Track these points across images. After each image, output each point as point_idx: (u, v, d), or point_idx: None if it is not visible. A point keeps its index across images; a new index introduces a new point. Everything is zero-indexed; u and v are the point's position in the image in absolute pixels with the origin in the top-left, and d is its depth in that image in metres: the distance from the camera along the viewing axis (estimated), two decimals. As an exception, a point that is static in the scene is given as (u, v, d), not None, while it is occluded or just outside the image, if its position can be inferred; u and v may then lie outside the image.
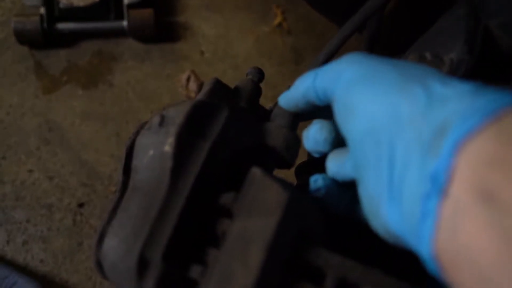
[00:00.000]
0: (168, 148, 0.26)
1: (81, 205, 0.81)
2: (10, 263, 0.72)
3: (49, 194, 0.81)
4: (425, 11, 0.34)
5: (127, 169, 0.31)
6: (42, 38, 0.92)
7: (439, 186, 0.19)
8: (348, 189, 0.29)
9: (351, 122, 0.24)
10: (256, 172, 0.25)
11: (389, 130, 0.22)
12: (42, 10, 0.92)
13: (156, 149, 0.27)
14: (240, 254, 0.21)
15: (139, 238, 0.24)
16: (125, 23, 0.96)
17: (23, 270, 0.72)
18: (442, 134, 0.20)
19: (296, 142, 0.31)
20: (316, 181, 0.28)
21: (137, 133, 0.32)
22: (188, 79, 0.99)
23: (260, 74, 0.35)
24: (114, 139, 0.89)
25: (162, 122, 0.28)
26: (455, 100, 0.20)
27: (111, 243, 0.26)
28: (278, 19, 1.11)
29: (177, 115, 0.28)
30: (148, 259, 0.23)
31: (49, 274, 0.74)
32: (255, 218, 0.22)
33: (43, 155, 0.85)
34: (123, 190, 0.31)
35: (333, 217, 0.28)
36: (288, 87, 0.32)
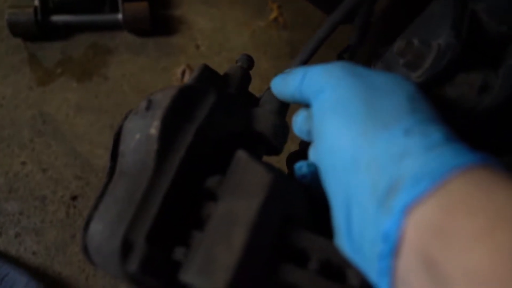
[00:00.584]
0: (153, 131, 0.26)
1: (74, 197, 0.80)
2: (2, 255, 0.72)
3: (43, 186, 0.80)
4: (419, 5, 0.34)
5: (114, 155, 0.31)
6: (36, 30, 0.91)
7: (390, 246, 0.20)
8: None
9: (319, 144, 0.25)
10: (241, 155, 0.24)
11: (347, 171, 0.22)
12: (36, 2, 0.92)
13: (142, 133, 0.27)
14: (223, 235, 0.21)
15: (123, 221, 0.24)
16: (120, 16, 0.96)
17: (16, 262, 0.72)
18: (394, 192, 0.20)
19: (284, 128, 0.31)
20: (300, 167, 0.28)
21: (125, 119, 0.32)
22: (183, 73, 0.99)
23: (249, 61, 0.35)
24: (108, 131, 0.88)
25: (149, 106, 0.28)
26: (412, 157, 0.21)
27: (96, 227, 0.26)
28: (274, 14, 1.10)
29: (164, 98, 0.27)
30: (132, 242, 0.23)
31: (41, 266, 0.74)
32: (239, 200, 0.22)
33: (36, 147, 0.84)
34: (111, 175, 0.31)
35: (318, 202, 0.28)
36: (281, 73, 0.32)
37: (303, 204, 0.25)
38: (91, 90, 0.93)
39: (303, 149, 0.40)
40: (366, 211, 0.21)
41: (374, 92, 0.23)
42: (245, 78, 0.34)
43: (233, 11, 1.07)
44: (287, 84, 0.29)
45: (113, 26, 0.98)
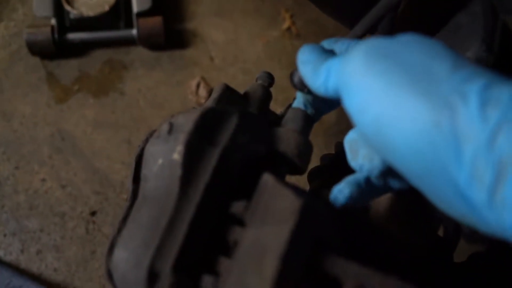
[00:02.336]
0: (177, 156, 0.26)
1: (93, 213, 0.81)
2: (24, 272, 0.73)
3: (62, 202, 0.81)
4: (437, 10, 0.33)
5: (136, 178, 0.31)
6: (54, 49, 0.93)
7: None
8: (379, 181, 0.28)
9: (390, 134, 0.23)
10: (267, 179, 0.24)
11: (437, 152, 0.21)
12: (53, 21, 0.93)
13: (165, 158, 0.26)
14: (254, 264, 0.21)
15: (149, 250, 0.24)
16: (134, 31, 0.97)
17: (37, 279, 0.72)
18: (503, 182, 0.19)
19: (308, 147, 0.30)
20: (341, 190, 0.27)
21: (146, 141, 0.32)
22: (198, 86, 0.99)
23: (270, 79, 0.34)
24: (126, 146, 0.89)
25: (171, 130, 0.28)
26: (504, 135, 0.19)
27: (121, 254, 0.25)
28: (287, 23, 1.10)
29: (186, 122, 0.27)
30: (158, 271, 0.23)
31: (63, 283, 0.74)
32: (268, 227, 0.22)
33: (55, 164, 0.85)
34: (133, 199, 0.30)
35: (351, 224, 0.28)
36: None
37: (333, 225, 0.25)
38: (108, 105, 0.94)
39: (325, 164, 0.39)
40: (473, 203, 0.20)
41: (412, 69, 0.22)
42: (266, 96, 0.33)
43: (246, 22, 1.07)
44: (311, 82, 0.28)
45: (128, 42, 0.99)
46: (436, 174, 0.21)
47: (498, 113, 0.20)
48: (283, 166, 0.30)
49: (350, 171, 0.28)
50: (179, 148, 0.26)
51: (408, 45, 0.24)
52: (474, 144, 0.20)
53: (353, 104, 0.24)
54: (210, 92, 1.08)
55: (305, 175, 0.38)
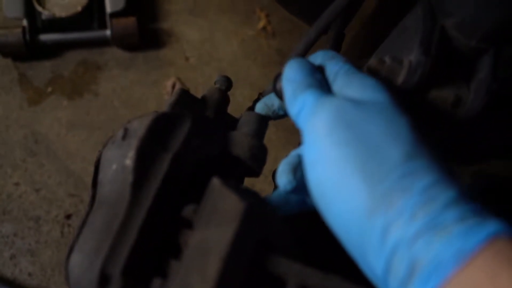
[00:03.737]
0: (128, 162, 0.26)
1: (68, 216, 0.80)
2: (-2, 277, 0.72)
3: (36, 206, 0.80)
4: (388, 12, 0.34)
5: (95, 183, 0.31)
6: (26, 50, 0.92)
7: None
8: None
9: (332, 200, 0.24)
10: (215, 182, 0.25)
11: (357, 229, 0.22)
12: (25, 22, 0.92)
13: (119, 163, 0.27)
14: (198, 265, 0.21)
15: (101, 253, 0.24)
16: (108, 32, 0.96)
17: (11, 284, 0.72)
18: (414, 276, 0.20)
19: (262, 150, 0.31)
20: (285, 184, 0.28)
21: (104, 146, 0.32)
22: (173, 86, 0.99)
23: (228, 83, 0.35)
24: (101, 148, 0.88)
25: (125, 135, 0.28)
26: (425, 236, 0.20)
27: (75, 259, 0.26)
28: (262, 22, 1.11)
29: (139, 127, 0.28)
30: (108, 274, 0.23)
31: (38, 287, 0.73)
32: (213, 229, 0.22)
33: (29, 167, 0.84)
34: (92, 204, 0.31)
35: (302, 224, 0.29)
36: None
37: (281, 228, 0.26)
38: (82, 107, 0.93)
39: None
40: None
41: (367, 149, 0.23)
42: (223, 100, 0.34)
43: (221, 20, 1.07)
44: (287, 105, 0.28)
45: (102, 42, 0.98)
46: (359, 254, 0.23)
47: (428, 217, 0.21)
48: (238, 169, 0.31)
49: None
50: (131, 154, 0.26)
51: (374, 118, 0.24)
52: (397, 241, 0.21)
53: (306, 153, 0.25)
54: (185, 92, 1.07)
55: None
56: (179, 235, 0.25)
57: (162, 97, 0.97)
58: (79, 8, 0.94)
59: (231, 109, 0.37)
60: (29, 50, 0.92)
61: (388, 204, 0.22)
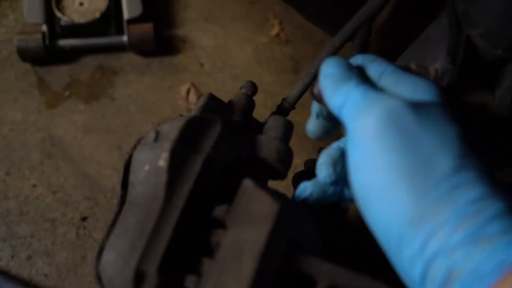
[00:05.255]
0: (162, 163, 0.27)
1: (84, 218, 0.81)
2: (14, 278, 0.73)
3: (53, 208, 0.81)
4: (417, 21, 0.35)
5: (125, 184, 0.32)
6: (45, 55, 0.93)
7: None
8: (336, 185, 0.29)
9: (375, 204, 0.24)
10: (247, 183, 0.25)
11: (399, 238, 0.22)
12: (44, 28, 0.94)
13: (151, 164, 0.28)
14: (232, 265, 0.22)
15: (135, 252, 0.25)
16: (125, 38, 0.98)
17: (28, 285, 0.72)
18: (452, 283, 0.20)
19: (288, 154, 0.32)
20: (305, 189, 0.29)
21: (134, 148, 0.33)
22: (188, 92, 1.00)
23: (253, 88, 0.36)
24: (116, 151, 0.90)
25: (157, 137, 0.29)
26: (468, 246, 0.20)
27: (108, 257, 0.27)
28: (276, 29, 1.12)
29: (171, 130, 0.28)
30: (143, 272, 0.24)
31: (53, 288, 0.74)
32: (247, 229, 0.23)
33: (46, 170, 0.86)
34: (122, 204, 0.32)
35: (329, 226, 0.29)
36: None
37: (310, 228, 0.26)
38: (98, 111, 0.94)
39: (308, 169, 0.40)
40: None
41: (417, 157, 0.22)
42: (249, 104, 0.35)
43: (235, 28, 1.09)
44: (327, 99, 0.27)
45: (119, 48, 1.00)
46: (396, 256, 0.23)
47: (472, 228, 0.21)
48: (264, 172, 0.31)
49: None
50: (165, 155, 0.27)
51: (427, 125, 0.23)
52: (437, 249, 0.21)
53: (352, 153, 0.25)
54: (200, 98, 1.09)
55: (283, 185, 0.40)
56: (210, 235, 0.26)
57: (177, 103, 0.99)
58: (97, 15, 0.96)
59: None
60: (48, 55, 0.94)
61: (433, 215, 0.22)
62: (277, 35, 1.12)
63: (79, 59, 0.99)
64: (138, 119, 0.94)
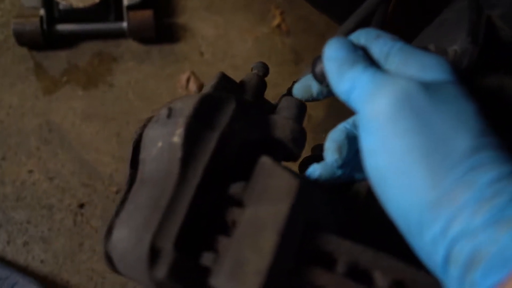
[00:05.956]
0: (177, 139, 0.26)
1: (81, 205, 0.80)
2: (10, 264, 0.72)
3: (50, 194, 0.80)
4: (431, 4, 0.34)
5: (133, 163, 0.31)
6: (42, 40, 0.92)
7: None
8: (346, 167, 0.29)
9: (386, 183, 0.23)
10: (265, 160, 0.25)
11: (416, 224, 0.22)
12: (42, 12, 0.92)
13: (165, 141, 0.27)
14: (252, 240, 0.22)
15: (149, 228, 0.24)
16: (125, 24, 0.96)
17: (24, 271, 0.72)
18: (476, 266, 0.20)
19: (302, 134, 0.31)
20: (314, 171, 0.29)
21: (143, 127, 0.32)
22: (188, 80, 0.99)
23: (265, 69, 0.35)
24: (115, 139, 0.89)
25: (170, 114, 0.28)
26: (491, 227, 0.20)
27: (120, 234, 0.26)
28: (277, 20, 1.11)
29: (185, 106, 0.28)
30: (159, 248, 0.23)
31: (50, 274, 0.73)
32: (266, 205, 0.23)
33: (43, 156, 0.84)
34: (131, 183, 0.31)
35: (340, 207, 0.29)
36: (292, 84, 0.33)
37: (325, 209, 0.26)
38: (97, 98, 0.93)
39: (316, 155, 0.40)
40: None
41: (434, 139, 0.22)
42: (261, 85, 0.34)
43: (236, 18, 1.08)
44: (333, 84, 0.26)
45: (118, 34, 0.99)
46: (417, 240, 0.23)
47: (494, 210, 0.20)
48: (278, 152, 0.31)
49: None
50: (179, 131, 0.26)
51: (441, 104, 0.22)
52: (460, 232, 0.21)
53: (365, 139, 0.24)
54: (200, 87, 1.08)
55: (296, 166, 0.39)
56: (225, 212, 0.25)
57: (176, 91, 0.98)
58: (96, 0, 0.94)
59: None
60: (45, 40, 0.93)
61: (453, 197, 0.21)
62: (278, 26, 1.11)
63: (77, 45, 0.98)
64: (137, 107, 0.93)
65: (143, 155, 0.29)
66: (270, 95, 0.36)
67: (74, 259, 0.75)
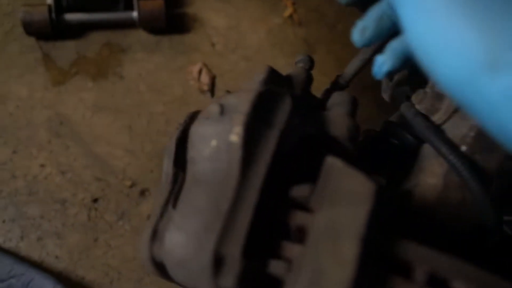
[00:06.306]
0: (235, 137, 0.25)
1: (95, 200, 0.79)
2: (25, 259, 0.70)
3: (62, 189, 0.79)
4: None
5: (178, 161, 0.30)
6: (50, 29, 0.89)
7: None
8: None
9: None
10: (334, 162, 0.23)
11: None
12: (50, 1, 0.89)
13: (221, 139, 0.25)
14: (330, 248, 0.20)
15: (211, 234, 0.23)
16: (135, 14, 0.94)
17: (39, 266, 0.70)
18: None
19: (358, 131, 0.30)
20: (383, 63, 0.27)
21: (186, 124, 0.31)
22: (199, 72, 0.97)
23: (311, 62, 0.34)
24: (127, 132, 0.87)
25: (223, 110, 0.27)
26: None
27: (176, 239, 0.24)
28: (289, 11, 1.09)
29: (240, 103, 0.26)
30: (223, 256, 0.22)
31: (65, 270, 0.72)
32: (342, 210, 0.21)
33: (54, 149, 0.82)
34: (174, 183, 0.29)
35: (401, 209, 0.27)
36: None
37: (394, 209, 0.24)
38: (107, 89, 0.91)
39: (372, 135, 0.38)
40: None
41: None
42: (309, 79, 0.33)
43: (247, 8, 1.05)
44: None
45: (128, 24, 0.96)
46: (473, 102, 0.20)
47: None
48: (333, 150, 0.29)
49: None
50: (237, 130, 0.25)
51: None
52: None
53: (403, 8, 0.21)
54: (212, 79, 1.06)
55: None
56: (289, 216, 0.24)
57: (188, 83, 0.96)
58: (106, -12, 0.91)
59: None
60: (53, 29, 0.90)
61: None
62: (290, 16, 1.08)
63: (86, 35, 0.95)
64: (148, 99, 0.91)
65: (192, 153, 0.28)
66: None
67: (89, 254, 0.74)
